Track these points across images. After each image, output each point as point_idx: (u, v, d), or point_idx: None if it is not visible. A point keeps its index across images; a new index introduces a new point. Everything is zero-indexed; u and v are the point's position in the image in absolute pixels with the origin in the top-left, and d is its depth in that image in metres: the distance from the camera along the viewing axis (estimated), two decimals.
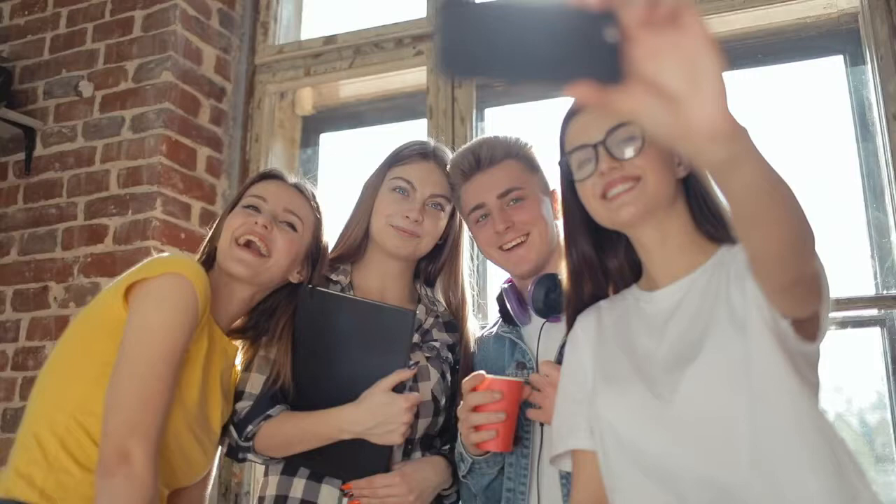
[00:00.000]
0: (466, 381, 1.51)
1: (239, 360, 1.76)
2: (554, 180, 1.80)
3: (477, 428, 1.50)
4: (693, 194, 1.33)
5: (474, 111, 2.58)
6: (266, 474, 1.73)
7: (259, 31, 2.98)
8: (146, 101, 2.70)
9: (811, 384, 1.15)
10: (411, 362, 1.69)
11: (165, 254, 1.67)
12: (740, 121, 0.73)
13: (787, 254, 0.93)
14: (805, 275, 0.99)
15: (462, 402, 1.52)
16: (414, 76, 2.77)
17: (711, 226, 1.32)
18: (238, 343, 1.75)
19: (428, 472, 1.67)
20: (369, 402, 1.56)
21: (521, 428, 1.59)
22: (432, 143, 1.89)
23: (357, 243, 1.81)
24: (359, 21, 2.85)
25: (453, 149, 2.42)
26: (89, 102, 2.80)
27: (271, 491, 1.67)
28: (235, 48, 2.96)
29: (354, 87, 2.94)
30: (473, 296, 1.92)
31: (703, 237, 1.32)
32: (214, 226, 1.76)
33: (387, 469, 1.63)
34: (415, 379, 1.69)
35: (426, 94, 2.63)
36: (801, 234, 0.91)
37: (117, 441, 1.35)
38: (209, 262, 1.70)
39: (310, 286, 1.71)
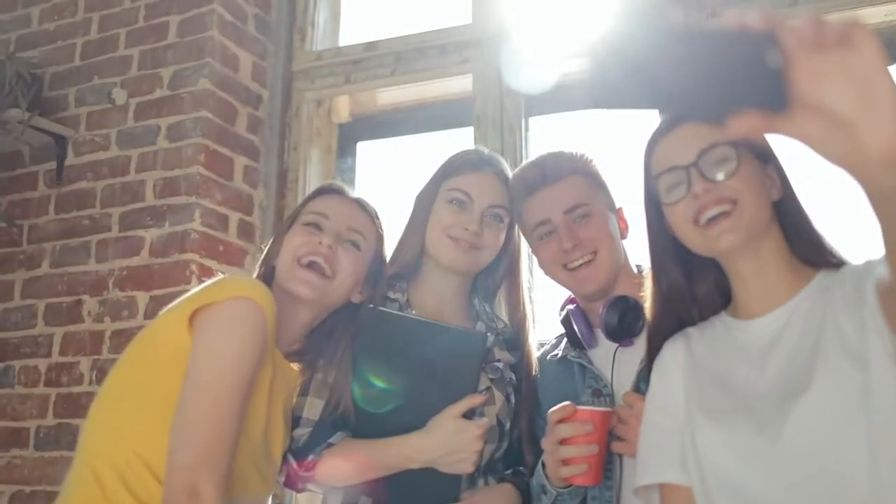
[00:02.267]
0: (554, 412, 1.44)
1: None
2: (618, 196, 1.75)
3: (566, 461, 1.42)
4: (787, 218, 1.28)
5: (523, 120, 2.51)
6: (325, 497, 1.66)
7: (296, 36, 2.91)
8: (182, 109, 2.62)
9: None
10: (481, 387, 1.61)
11: (227, 275, 1.60)
12: None
13: None
14: None
15: (548, 434, 1.45)
16: (457, 83, 2.70)
17: (808, 250, 1.27)
18: (295, 367, 1.67)
19: (499, 501, 1.60)
20: (439, 429, 1.49)
21: (606, 459, 1.52)
22: (486, 151, 1.82)
23: (413, 259, 1.74)
24: (399, 27, 2.77)
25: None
26: (123, 110, 2.72)
27: None
28: (272, 54, 2.89)
29: (392, 94, 2.87)
30: (532, 310, 1.84)
31: (799, 262, 1.27)
32: (270, 244, 1.68)
33: (456, 499, 1.55)
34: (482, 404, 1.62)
35: (473, 103, 2.55)
36: None
37: (185, 477, 1.26)
38: (265, 282, 1.61)
39: (371, 306, 1.63)
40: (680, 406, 1.28)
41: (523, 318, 1.79)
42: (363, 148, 2.95)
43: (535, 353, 1.78)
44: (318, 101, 2.87)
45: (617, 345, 1.61)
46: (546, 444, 1.46)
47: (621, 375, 1.58)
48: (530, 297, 1.85)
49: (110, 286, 2.57)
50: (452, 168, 1.74)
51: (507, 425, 1.68)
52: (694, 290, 1.37)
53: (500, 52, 2.54)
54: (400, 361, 1.57)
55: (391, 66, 2.72)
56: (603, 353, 1.65)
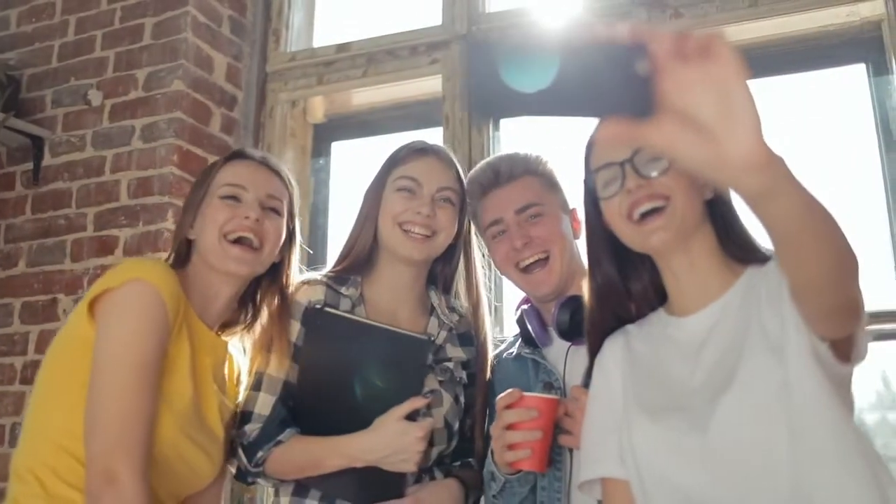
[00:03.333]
0: (501, 399, 1.48)
1: (245, 365, 1.71)
2: (574, 199, 1.77)
3: (511, 447, 1.46)
4: (718, 216, 1.30)
5: (491, 121, 2.54)
6: (277, 494, 1.69)
7: (271, 38, 2.95)
8: (157, 111, 2.66)
9: (849, 405, 1.13)
10: (425, 389, 1.65)
11: (126, 259, 1.61)
12: (776, 151, 0.72)
13: (827, 282, 0.92)
14: (846, 300, 0.97)
15: (496, 420, 1.49)
16: (429, 84, 2.73)
17: (738, 248, 1.29)
18: (231, 337, 1.69)
19: (443, 496, 1.63)
20: (383, 430, 1.53)
21: (554, 450, 1.55)
22: (428, 140, 1.83)
23: (365, 254, 1.74)
24: (372, 29, 2.81)
25: (470, 158, 2.41)
26: (98, 111, 2.75)
27: None
28: (247, 56, 2.92)
29: (367, 94, 2.91)
30: (489, 298, 1.86)
31: (729, 259, 1.29)
32: (182, 217, 1.67)
33: (400, 495, 1.59)
34: (428, 405, 1.64)
35: (442, 103, 2.59)
36: (841, 262, 0.89)
37: (101, 462, 1.31)
38: (181, 258, 1.63)
39: (318, 307, 1.66)
40: (619, 402, 1.31)
41: (477, 305, 1.80)
42: (338, 148, 2.99)
43: (491, 344, 1.80)
44: (292, 102, 2.90)
45: (570, 343, 1.64)
46: (494, 429, 1.50)
47: (573, 372, 1.61)
48: (486, 285, 1.86)
49: (85, 285, 2.59)
50: (398, 158, 1.75)
51: (456, 426, 1.71)
52: (629, 287, 1.39)
53: (469, 53, 2.58)
54: (346, 363, 1.59)
55: (363, 67, 2.76)
56: (557, 351, 1.68)
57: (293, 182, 1.72)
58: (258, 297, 1.70)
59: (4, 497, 1.45)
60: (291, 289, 1.72)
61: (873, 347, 2.25)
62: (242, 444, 1.61)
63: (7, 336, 2.68)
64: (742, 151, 0.69)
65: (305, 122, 2.95)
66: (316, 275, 1.75)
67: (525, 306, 1.75)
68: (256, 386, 1.64)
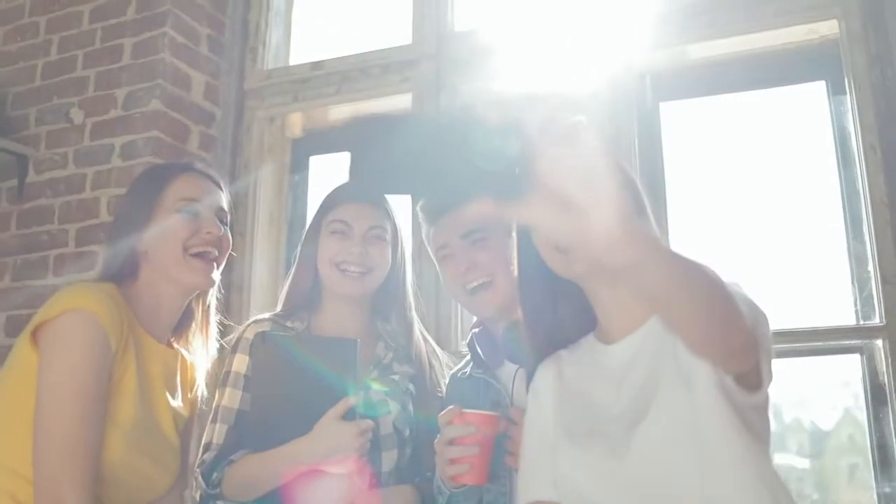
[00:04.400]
0: (442, 416, 1.54)
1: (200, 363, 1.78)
2: None
3: (452, 461, 1.52)
4: None
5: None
6: None
7: (248, 56, 3.01)
8: (135, 129, 2.73)
9: (760, 433, 1.17)
10: (377, 398, 1.74)
11: (66, 287, 1.61)
12: (640, 228, 0.76)
13: (708, 337, 0.95)
14: (733, 346, 1.00)
15: (439, 436, 1.55)
16: (401, 100, 2.79)
17: None
18: (179, 348, 1.75)
19: (394, 499, 1.71)
20: (321, 431, 1.60)
21: (498, 465, 1.61)
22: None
23: (308, 294, 1.86)
24: (346, 47, 2.87)
25: None
26: (80, 129, 2.83)
27: None
28: (225, 73, 2.99)
29: (343, 109, 2.96)
30: (418, 321, 1.95)
31: None
32: (126, 230, 1.66)
33: (349, 499, 1.65)
34: (374, 414, 1.73)
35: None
36: (720, 317, 0.93)
37: (48, 490, 1.38)
38: (127, 270, 1.65)
39: (261, 332, 1.76)
40: (550, 427, 1.36)
41: (409, 329, 1.90)
42: (316, 162, 3.05)
43: (427, 362, 1.89)
44: (270, 118, 2.96)
45: (517, 367, 1.69)
46: (436, 444, 1.56)
47: (520, 393, 1.65)
48: (417, 310, 1.95)
49: None
50: (329, 204, 1.86)
51: (406, 433, 1.79)
52: (559, 312, 1.43)
53: (439, 72, 2.64)
54: (289, 377, 1.67)
55: (336, 84, 2.82)
56: (507, 372, 1.74)
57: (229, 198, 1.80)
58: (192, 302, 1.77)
59: None
60: (241, 328, 1.83)
61: (835, 361, 2.32)
62: (201, 470, 1.70)
63: None
64: (606, 229, 0.72)
65: (283, 137, 3.01)
66: (265, 314, 1.87)
67: (476, 330, 1.81)
68: (213, 419, 1.75)
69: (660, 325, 1.26)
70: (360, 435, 1.60)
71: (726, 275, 0.98)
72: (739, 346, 1.02)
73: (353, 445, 1.58)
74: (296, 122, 3.03)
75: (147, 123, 2.72)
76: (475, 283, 1.72)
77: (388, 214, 1.86)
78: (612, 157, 0.74)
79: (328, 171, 3.05)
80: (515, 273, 1.76)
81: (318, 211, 1.88)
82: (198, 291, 1.72)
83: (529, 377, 1.47)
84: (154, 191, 1.68)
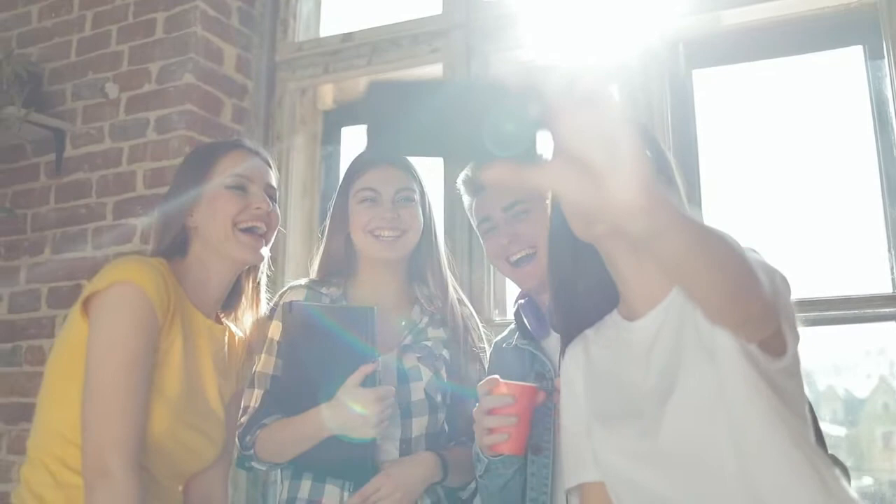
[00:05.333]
0: (481, 385, 1.56)
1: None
2: None
3: (490, 431, 1.54)
4: None
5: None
6: (281, 480, 1.83)
7: (279, 28, 3.02)
8: (169, 103, 2.76)
9: (793, 398, 1.16)
10: (409, 365, 1.78)
11: (116, 260, 1.66)
12: (660, 194, 0.75)
13: (727, 304, 0.95)
14: (753, 313, 1.00)
15: (478, 405, 1.57)
16: (431, 70, 2.78)
17: None
18: (228, 323, 1.78)
19: (414, 468, 1.74)
20: (339, 398, 1.65)
21: (541, 437, 1.64)
22: None
23: (342, 262, 1.88)
24: (376, 18, 2.87)
25: None
26: (115, 104, 2.87)
27: (283, 495, 1.79)
28: (256, 46, 3.00)
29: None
30: (454, 284, 1.96)
31: None
32: (176, 205, 1.70)
33: (373, 463, 1.70)
34: (405, 380, 1.77)
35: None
36: (738, 284, 0.93)
37: (95, 458, 1.42)
38: (177, 245, 1.69)
39: (288, 301, 1.79)
40: (583, 409, 1.36)
41: (444, 289, 1.91)
42: (348, 133, 3.07)
43: (462, 324, 1.90)
44: (301, 90, 2.98)
45: None
46: (475, 413, 1.58)
47: None
48: (451, 271, 1.96)
49: None
50: (354, 173, 1.87)
51: (438, 398, 1.81)
52: (583, 288, 1.42)
53: (469, 41, 2.63)
54: (314, 345, 1.72)
55: (367, 56, 2.82)
56: (553, 343, 1.73)
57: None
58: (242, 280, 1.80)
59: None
60: (278, 295, 1.87)
61: (871, 329, 2.30)
62: (238, 434, 1.77)
63: (36, 319, 2.84)
64: (627, 196, 0.71)
65: (315, 109, 3.03)
66: (301, 280, 1.91)
67: (522, 300, 1.81)
68: (250, 384, 1.81)
69: (681, 297, 1.25)
70: (378, 401, 1.63)
71: (744, 241, 0.98)
72: (758, 313, 1.01)
73: (372, 412, 1.62)
74: (327, 94, 3.04)
75: (181, 97, 2.74)
76: (518, 255, 1.74)
77: (413, 175, 1.87)
78: (636, 122, 0.73)
79: (360, 143, 3.06)
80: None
81: (344, 180, 1.90)
82: (246, 267, 1.74)
83: (562, 355, 1.46)
84: (204, 167, 1.71)
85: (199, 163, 1.74)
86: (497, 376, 1.56)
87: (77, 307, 1.54)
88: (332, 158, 3.03)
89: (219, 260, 1.68)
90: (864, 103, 2.34)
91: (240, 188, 1.69)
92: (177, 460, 1.63)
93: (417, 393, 1.78)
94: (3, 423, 2.81)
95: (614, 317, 1.38)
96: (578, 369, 1.39)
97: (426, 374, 1.81)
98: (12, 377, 2.83)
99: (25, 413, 2.76)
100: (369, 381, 1.65)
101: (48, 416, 1.57)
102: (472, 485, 1.84)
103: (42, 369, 2.69)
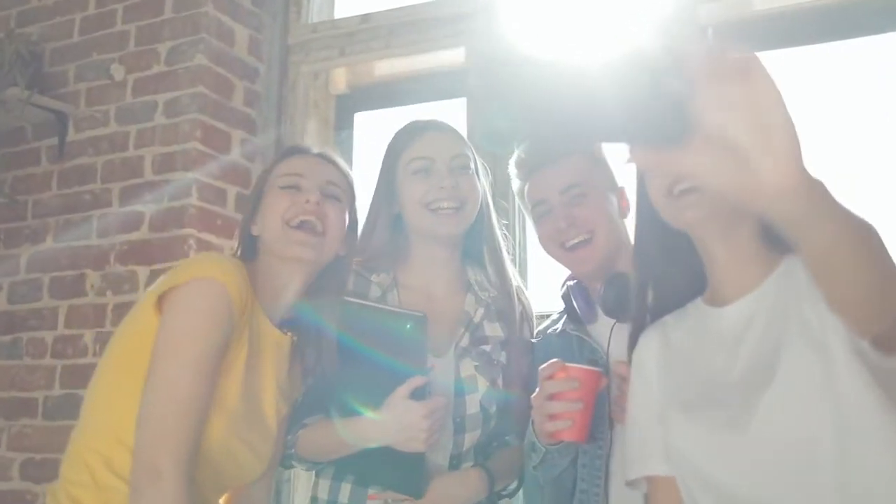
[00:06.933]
0: (543, 369, 1.49)
1: None
2: (622, 177, 1.76)
3: (552, 417, 1.47)
4: None
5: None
6: (317, 476, 1.73)
7: (291, 9, 2.91)
8: (179, 85, 2.65)
9: None
10: (465, 374, 1.67)
11: (195, 256, 1.62)
12: (814, 176, 0.69)
13: (868, 306, 0.90)
14: (887, 316, 0.94)
15: (538, 390, 1.49)
16: (451, 55, 2.70)
17: (778, 235, 1.25)
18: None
19: (454, 487, 1.65)
20: (388, 410, 1.55)
21: (595, 426, 1.56)
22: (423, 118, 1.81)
23: (390, 242, 1.75)
24: (392, 0, 2.77)
25: None
26: (121, 86, 2.75)
27: (323, 495, 1.69)
28: (268, 27, 2.90)
29: (388, 64, 2.88)
30: (511, 266, 1.85)
31: (769, 247, 1.25)
32: (246, 215, 1.67)
33: (422, 476, 1.60)
34: (461, 391, 1.66)
35: (466, 75, 2.56)
36: (881, 284, 0.87)
37: (147, 457, 1.33)
38: (248, 254, 1.63)
39: (344, 298, 1.67)
40: (656, 399, 1.30)
41: (502, 272, 1.79)
42: (361, 119, 2.98)
43: (522, 320, 1.79)
44: (314, 74, 2.88)
45: (615, 321, 1.64)
46: (535, 399, 1.50)
47: (617, 350, 1.60)
48: (511, 255, 1.86)
49: (112, 260, 2.62)
50: (401, 144, 1.74)
51: (493, 409, 1.70)
52: (670, 273, 1.37)
53: (491, 25, 2.55)
54: (361, 346, 1.61)
55: (384, 38, 2.73)
56: (602, 328, 1.68)
57: (351, 174, 1.71)
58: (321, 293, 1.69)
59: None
60: None
61: None
62: None
63: (37, 311, 2.73)
64: (777, 177, 0.65)
65: (328, 93, 2.94)
66: None
67: (571, 283, 1.75)
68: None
69: (776, 288, 1.21)
70: (428, 415, 1.53)
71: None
72: (893, 309, 0.96)
73: (421, 426, 1.52)
74: (340, 78, 2.94)
75: (192, 79, 2.63)
76: (575, 241, 1.66)
77: (466, 142, 1.76)
78: (785, 95, 0.66)
79: (374, 128, 2.97)
80: (624, 227, 1.71)
81: (388, 155, 1.77)
82: (310, 268, 1.62)
83: (633, 342, 1.40)
84: (264, 175, 1.69)
85: (263, 173, 1.72)
86: (559, 360, 1.49)
87: (148, 301, 1.45)
88: (344, 144, 2.93)
89: (280, 262, 1.58)
90: None
91: (293, 187, 1.61)
92: (223, 473, 1.54)
93: (473, 406, 1.67)
94: (3, 419, 2.69)
95: (697, 304, 1.34)
96: (653, 356, 1.34)
97: (482, 384, 1.69)
98: (12, 371, 2.72)
99: (26, 409, 2.65)
100: (418, 394, 1.55)
101: (99, 412, 1.48)
102: (513, 485, 1.77)
103: (44, 362, 2.66)
